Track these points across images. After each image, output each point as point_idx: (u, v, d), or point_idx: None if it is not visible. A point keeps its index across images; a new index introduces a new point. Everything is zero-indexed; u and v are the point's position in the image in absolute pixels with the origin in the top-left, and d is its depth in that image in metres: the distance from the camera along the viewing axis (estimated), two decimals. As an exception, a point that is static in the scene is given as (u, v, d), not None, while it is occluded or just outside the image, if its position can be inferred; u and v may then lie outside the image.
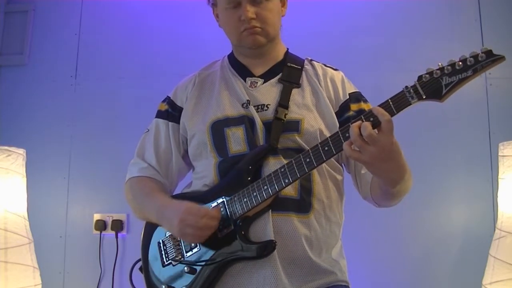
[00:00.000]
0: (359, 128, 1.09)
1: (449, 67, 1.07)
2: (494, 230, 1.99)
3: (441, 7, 2.51)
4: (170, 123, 1.46)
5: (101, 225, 2.54)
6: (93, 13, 2.79)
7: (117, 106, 2.66)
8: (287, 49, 1.49)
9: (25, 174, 2.12)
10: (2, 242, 1.93)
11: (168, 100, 1.49)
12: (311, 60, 1.48)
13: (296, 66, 1.43)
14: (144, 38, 2.71)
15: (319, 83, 1.40)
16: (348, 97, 1.39)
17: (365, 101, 1.42)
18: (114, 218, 2.54)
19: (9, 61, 2.82)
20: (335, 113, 1.37)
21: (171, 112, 1.47)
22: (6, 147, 2.05)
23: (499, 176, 2.01)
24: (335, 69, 1.47)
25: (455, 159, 2.38)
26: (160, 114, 1.49)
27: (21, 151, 2.10)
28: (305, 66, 1.45)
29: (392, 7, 2.54)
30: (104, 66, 2.73)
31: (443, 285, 2.30)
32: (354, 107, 1.38)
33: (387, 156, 1.11)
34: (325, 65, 1.47)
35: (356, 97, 1.41)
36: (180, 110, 1.45)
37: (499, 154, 2.01)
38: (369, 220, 2.30)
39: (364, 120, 1.11)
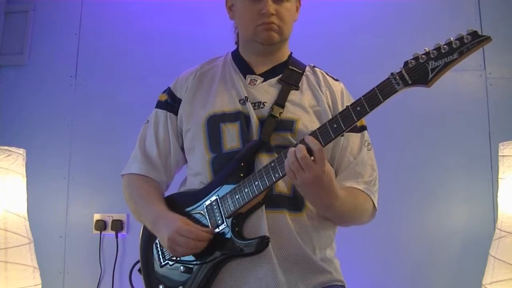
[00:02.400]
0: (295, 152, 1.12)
1: (434, 51, 1.07)
2: (494, 230, 1.99)
3: (441, 7, 2.51)
4: (169, 113, 1.46)
5: (101, 225, 2.54)
6: (93, 13, 2.79)
7: (117, 106, 2.66)
8: (291, 53, 1.51)
9: (25, 174, 2.12)
10: (2, 242, 1.93)
11: (168, 91, 1.50)
12: (313, 66, 1.49)
13: (297, 70, 1.44)
14: (144, 38, 2.71)
15: (320, 89, 1.41)
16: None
17: None
18: (114, 218, 2.54)
19: (9, 61, 2.82)
20: None
21: (171, 103, 1.47)
22: (6, 147, 2.06)
23: (499, 176, 2.01)
24: (336, 80, 1.48)
25: (455, 159, 2.37)
26: (159, 105, 1.50)
27: (21, 151, 2.10)
28: (307, 71, 1.46)
29: (392, 7, 2.54)
30: (104, 66, 2.73)
31: (443, 285, 2.30)
32: None
33: (318, 183, 1.14)
34: (327, 74, 1.48)
35: None
36: (179, 101, 1.46)
37: (499, 154, 2.01)
38: (369, 220, 2.30)
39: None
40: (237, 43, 1.55)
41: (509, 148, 1.95)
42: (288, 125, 1.33)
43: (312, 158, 1.12)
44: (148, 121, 1.51)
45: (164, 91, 1.52)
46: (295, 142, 1.29)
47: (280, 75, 1.42)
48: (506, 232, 1.88)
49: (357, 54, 2.50)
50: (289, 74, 1.42)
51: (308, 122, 1.34)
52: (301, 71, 1.44)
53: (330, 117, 1.35)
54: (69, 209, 2.62)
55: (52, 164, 2.65)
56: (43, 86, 2.76)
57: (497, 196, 2.02)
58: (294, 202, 1.29)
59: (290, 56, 1.49)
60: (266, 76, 1.42)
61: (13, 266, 1.94)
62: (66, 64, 2.76)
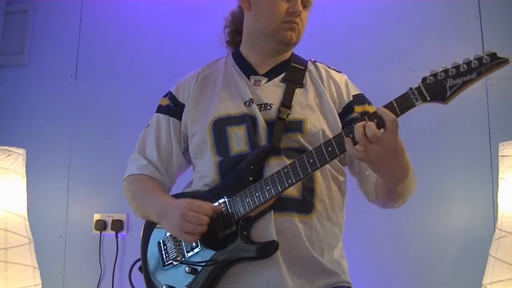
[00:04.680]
0: (364, 128, 1.09)
1: (453, 69, 1.07)
2: (494, 230, 1.99)
3: (441, 7, 2.51)
4: (171, 118, 1.45)
5: (101, 225, 2.54)
6: (93, 13, 2.79)
7: (117, 106, 2.66)
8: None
9: (25, 174, 2.12)
10: (2, 242, 1.93)
11: (170, 95, 1.48)
12: (314, 61, 1.48)
13: (299, 67, 1.43)
14: (144, 38, 2.71)
15: (323, 84, 1.40)
16: (352, 98, 1.39)
17: (369, 103, 1.42)
18: (114, 218, 2.54)
19: (9, 61, 2.82)
20: (338, 114, 1.37)
21: (173, 108, 1.45)
22: (6, 147, 2.06)
23: (499, 176, 2.01)
24: (339, 71, 1.47)
25: (455, 159, 2.37)
26: (161, 109, 1.48)
27: (21, 151, 2.10)
28: (309, 66, 1.45)
29: (392, 7, 2.54)
30: (104, 66, 2.73)
31: (443, 285, 2.30)
32: (358, 109, 1.39)
33: (391, 155, 1.11)
34: (328, 67, 1.47)
35: (360, 99, 1.41)
36: (182, 106, 1.44)
37: (499, 154, 2.01)
38: (369, 220, 2.30)
39: (367, 121, 1.10)
40: (228, 42, 1.54)
41: (509, 148, 1.95)
42: (297, 126, 1.32)
43: (383, 130, 1.09)
44: (148, 125, 1.49)
45: (165, 96, 1.50)
46: (305, 143, 1.29)
47: (283, 74, 1.41)
48: (506, 232, 1.89)
49: (357, 54, 2.50)
50: (292, 72, 1.41)
51: (316, 121, 1.33)
52: (303, 67, 1.43)
53: (335, 112, 1.35)
54: (69, 209, 2.62)
55: (52, 164, 2.65)
56: (43, 86, 2.76)
57: (497, 196, 2.03)
58: (303, 205, 1.28)
59: (292, 54, 1.48)
60: (270, 75, 1.41)
61: (13, 266, 1.94)
62: (66, 64, 2.76)
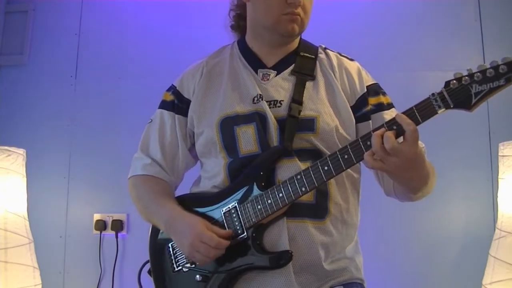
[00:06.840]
0: (382, 138, 1.03)
1: (479, 74, 0.99)
2: (494, 230, 1.99)
3: (441, 7, 2.51)
4: (176, 115, 1.38)
5: (101, 225, 2.54)
6: (93, 13, 2.79)
7: (117, 106, 2.66)
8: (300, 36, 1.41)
9: (25, 174, 2.12)
10: (2, 242, 1.93)
11: (174, 90, 1.41)
12: (325, 48, 1.40)
13: (309, 56, 1.35)
14: (144, 38, 2.71)
15: (334, 75, 1.32)
16: (365, 90, 1.32)
17: (384, 93, 1.35)
18: (114, 218, 2.54)
19: (9, 61, 2.81)
20: (351, 107, 1.30)
21: (178, 104, 1.38)
22: (6, 147, 2.06)
23: (499, 176, 2.01)
24: (351, 59, 1.39)
25: (455, 159, 2.37)
26: (165, 105, 1.41)
27: (21, 151, 2.10)
28: (319, 55, 1.37)
29: (392, 7, 2.54)
30: (104, 66, 2.73)
31: (443, 285, 2.30)
32: (372, 100, 1.31)
33: (410, 165, 1.07)
34: (340, 54, 1.39)
35: (374, 89, 1.33)
36: (187, 102, 1.37)
37: (499, 154, 2.01)
38: (368, 220, 2.28)
39: (386, 129, 1.05)
40: (233, 27, 1.46)
41: (509, 148, 1.95)
42: (309, 124, 1.24)
43: (402, 138, 1.03)
44: (151, 120, 1.43)
45: (169, 90, 1.42)
46: (318, 144, 1.23)
47: (293, 65, 1.33)
48: (506, 232, 1.88)
49: (357, 54, 2.48)
50: (301, 63, 1.33)
51: (329, 118, 1.25)
52: (313, 56, 1.35)
53: (348, 107, 1.28)
54: (69, 209, 2.62)
55: (52, 164, 2.65)
56: (43, 86, 2.76)
57: (497, 196, 2.03)
58: (317, 210, 1.22)
59: (300, 40, 1.39)
60: (278, 68, 1.33)
61: (13, 266, 1.94)
62: (66, 64, 2.76)
